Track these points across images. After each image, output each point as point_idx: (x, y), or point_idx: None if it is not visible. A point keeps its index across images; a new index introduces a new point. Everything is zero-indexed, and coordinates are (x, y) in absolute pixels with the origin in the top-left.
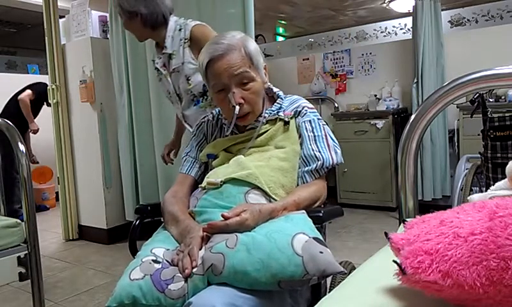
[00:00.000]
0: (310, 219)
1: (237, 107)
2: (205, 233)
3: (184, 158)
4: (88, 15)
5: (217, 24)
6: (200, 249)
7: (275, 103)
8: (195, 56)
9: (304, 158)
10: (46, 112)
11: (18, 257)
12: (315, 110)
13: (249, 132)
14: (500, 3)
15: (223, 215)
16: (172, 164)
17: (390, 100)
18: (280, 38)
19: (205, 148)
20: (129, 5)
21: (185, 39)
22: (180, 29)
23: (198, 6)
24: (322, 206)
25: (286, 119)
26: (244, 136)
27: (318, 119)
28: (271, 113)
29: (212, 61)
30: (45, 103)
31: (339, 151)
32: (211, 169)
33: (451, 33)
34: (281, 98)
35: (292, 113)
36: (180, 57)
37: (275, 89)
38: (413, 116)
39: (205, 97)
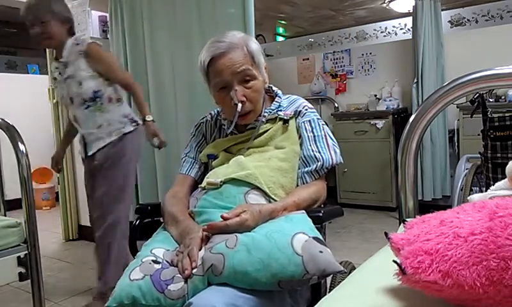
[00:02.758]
0: (309, 219)
1: (240, 105)
2: (204, 234)
3: (184, 159)
4: (87, 14)
5: (217, 24)
6: (200, 250)
7: (274, 102)
8: (89, 65)
9: (304, 158)
10: (46, 111)
11: (18, 257)
12: (315, 110)
13: (249, 132)
14: (500, 3)
15: (222, 217)
16: (60, 171)
17: (390, 100)
18: (280, 38)
19: (205, 148)
20: (65, 10)
21: (81, 51)
22: (77, 44)
23: (198, 6)
24: (322, 206)
25: (285, 118)
26: (244, 136)
27: (317, 119)
28: (270, 112)
29: (214, 58)
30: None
31: (338, 151)
32: (211, 169)
33: (451, 33)
34: (280, 97)
35: (292, 113)
36: (75, 65)
37: (274, 88)
38: (413, 116)
39: (95, 102)
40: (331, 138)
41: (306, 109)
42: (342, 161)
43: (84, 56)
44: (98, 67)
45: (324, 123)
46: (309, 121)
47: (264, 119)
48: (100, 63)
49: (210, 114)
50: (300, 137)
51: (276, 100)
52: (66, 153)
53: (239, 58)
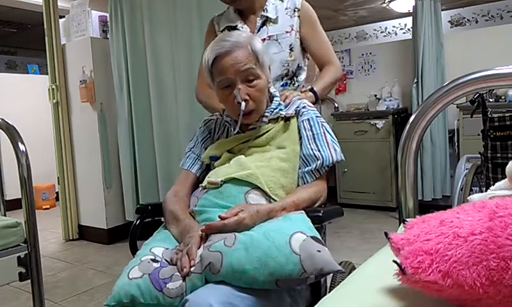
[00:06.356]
0: (308, 219)
1: (243, 103)
2: (204, 233)
3: (188, 155)
4: (87, 15)
5: None
6: (199, 248)
7: (273, 102)
8: (300, 29)
9: (304, 158)
10: (46, 111)
11: (18, 257)
12: (315, 109)
13: (251, 132)
14: (500, 3)
15: (220, 217)
16: None
17: (390, 100)
18: None
19: (208, 149)
20: None
21: (296, 9)
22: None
23: (198, 6)
24: (322, 206)
25: (288, 115)
26: (246, 136)
27: (317, 117)
28: (272, 112)
29: (219, 57)
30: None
31: (338, 149)
32: (213, 169)
33: (451, 33)
34: (278, 97)
35: (294, 112)
36: (284, 25)
37: (271, 90)
38: (413, 116)
39: (292, 81)
40: (331, 135)
41: (305, 108)
42: (343, 158)
43: (298, 15)
44: None
45: (323, 120)
46: (308, 119)
47: (265, 119)
48: None
49: (221, 115)
50: (301, 137)
51: (275, 99)
52: (65, 153)
53: (243, 57)
